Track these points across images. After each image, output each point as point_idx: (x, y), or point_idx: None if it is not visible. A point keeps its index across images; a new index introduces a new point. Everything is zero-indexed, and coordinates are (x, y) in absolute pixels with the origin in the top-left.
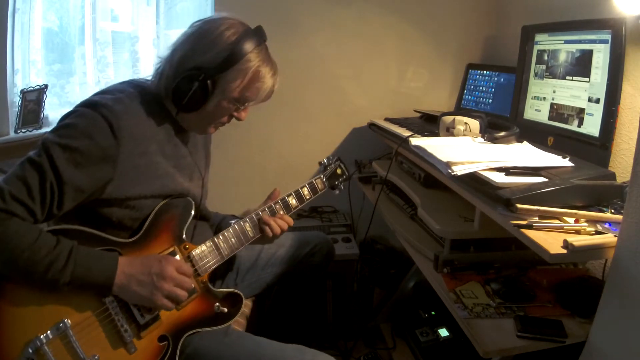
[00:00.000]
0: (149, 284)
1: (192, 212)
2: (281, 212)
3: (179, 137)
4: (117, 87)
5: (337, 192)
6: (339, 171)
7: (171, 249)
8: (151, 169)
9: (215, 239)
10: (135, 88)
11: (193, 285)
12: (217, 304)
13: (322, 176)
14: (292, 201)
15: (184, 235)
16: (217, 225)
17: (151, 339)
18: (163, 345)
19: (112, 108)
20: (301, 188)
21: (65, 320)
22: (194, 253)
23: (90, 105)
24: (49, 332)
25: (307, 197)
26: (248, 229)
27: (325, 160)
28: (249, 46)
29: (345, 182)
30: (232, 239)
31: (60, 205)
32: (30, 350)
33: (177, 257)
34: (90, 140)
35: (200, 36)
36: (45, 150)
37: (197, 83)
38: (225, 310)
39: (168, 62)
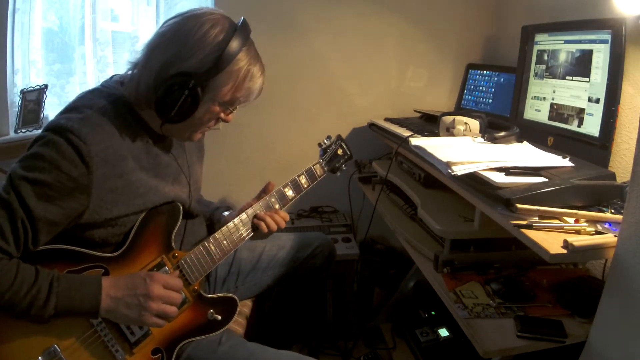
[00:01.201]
0: (136, 306)
1: (180, 217)
2: (277, 206)
3: (158, 146)
4: (86, 101)
5: (338, 174)
6: (339, 152)
7: (159, 260)
8: (130, 188)
9: (206, 243)
10: (106, 98)
11: (184, 296)
12: (211, 310)
13: (321, 160)
14: (289, 192)
15: (173, 243)
16: (209, 217)
17: (144, 353)
18: (156, 358)
19: (79, 132)
20: (298, 176)
21: (55, 345)
22: (183, 261)
23: (56, 131)
24: (40, 358)
25: (305, 186)
26: (240, 228)
27: (325, 141)
28: (238, 45)
29: (347, 163)
30: (224, 241)
31: (35, 241)
32: None
33: (166, 267)
34: (59, 171)
35: (183, 37)
36: (12, 187)
37: (187, 91)
38: (219, 318)
39: (145, 68)
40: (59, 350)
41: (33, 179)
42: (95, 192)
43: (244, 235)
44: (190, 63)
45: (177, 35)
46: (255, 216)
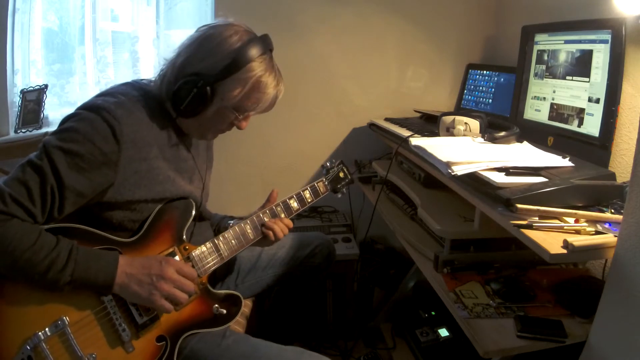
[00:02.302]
0: (149, 285)
1: (193, 213)
2: (282, 215)
3: (180, 141)
4: (120, 90)
5: (339, 195)
6: (341, 174)
7: (171, 250)
8: (152, 174)
9: (216, 240)
10: (138, 91)
11: (193, 287)
12: (216, 305)
13: (324, 179)
14: (294, 204)
15: (184, 236)
16: (216, 225)
17: (149, 339)
18: (161, 345)
19: (114, 112)
20: (303, 191)
21: (64, 318)
22: (193, 254)
23: (92, 109)
24: (47, 329)
25: (309, 200)
26: (249, 230)
27: (327, 164)
28: (251, 55)
29: (347, 186)
30: (233, 241)
31: (61, 209)
32: (29, 347)
33: (177, 257)
34: (92, 145)
35: (204, 41)
36: (46, 154)
37: (196, 90)
38: (224, 312)
39: (171, 65)
40: (67, 322)
41: (67, 149)
42: (121, 170)
43: (252, 237)
44: (204, 65)
45: (200, 40)
46: (264, 225)
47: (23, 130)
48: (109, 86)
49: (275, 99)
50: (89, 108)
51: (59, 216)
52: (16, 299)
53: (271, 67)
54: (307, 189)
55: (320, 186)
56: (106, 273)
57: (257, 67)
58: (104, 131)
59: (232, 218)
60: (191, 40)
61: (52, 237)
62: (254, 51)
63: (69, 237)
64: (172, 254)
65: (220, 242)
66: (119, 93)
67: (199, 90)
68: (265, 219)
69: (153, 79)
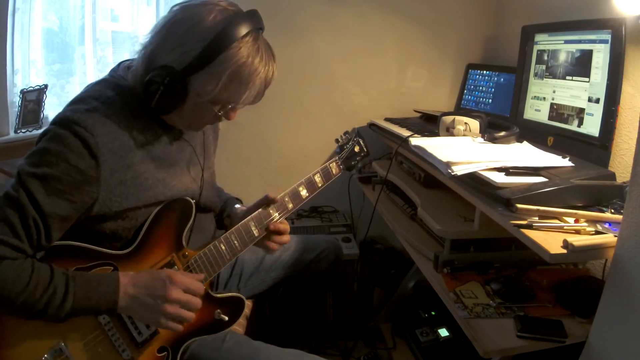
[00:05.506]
0: (153, 307)
1: (192, 215)
2: (290, 206)
3: (169, 134)
4: (93, 92)
5: (354, 172)
6: (357, 149)
7: (168, 259)
8: (139, 180)
9: (217, 243)
10: (114, 89)
11: (200, 303)
12: (218, 310)
13: (337, 158)
14: (303, 191)
15: (183, 242)
16: (221, 207)
17: (150, 351)
18: (162, 355)
19: (85, 123)
20: (313, 175)
21: (62, 343)
22: (193, 261)
23: (62, 124)
24: (46, 355)
25: (320, 185)
26: (252, 228)
27: (342, 137)
28: (226, 41)
29: (363, 160)
30: (235, 241)
31: (48, 237)
32: None
33: (176, 267)
34: (67, 164)
35: (172, 27)
36: (22, 184)
37: (162, 87)
38: (226, 318)
39: (141, 55)
40: (66, 348)
41: (41, 175)
42: (104, 184)
43: (256, 235)
44: (173, 57)
45: (169, 25)
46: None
47: (23, 130)
48: (84, 87)
49: (264, 85)
50: (59, 123)
51: (48, 244)
52: (13, 326)
53: (255, 50)
54: (318, 172)
55: (333, 167)
56: (107, 300)
57: (235, 55)
58: (77, 148)
59: (237, 201)
60: (161, 24)
61: (46, 271)
62: (231, 36)
63: (60, 255)
64: (171, 263)
65: (221, 245)
66: (91, 97)
67: (167, 87)
68: (271, 212)
69: (131, 59)
